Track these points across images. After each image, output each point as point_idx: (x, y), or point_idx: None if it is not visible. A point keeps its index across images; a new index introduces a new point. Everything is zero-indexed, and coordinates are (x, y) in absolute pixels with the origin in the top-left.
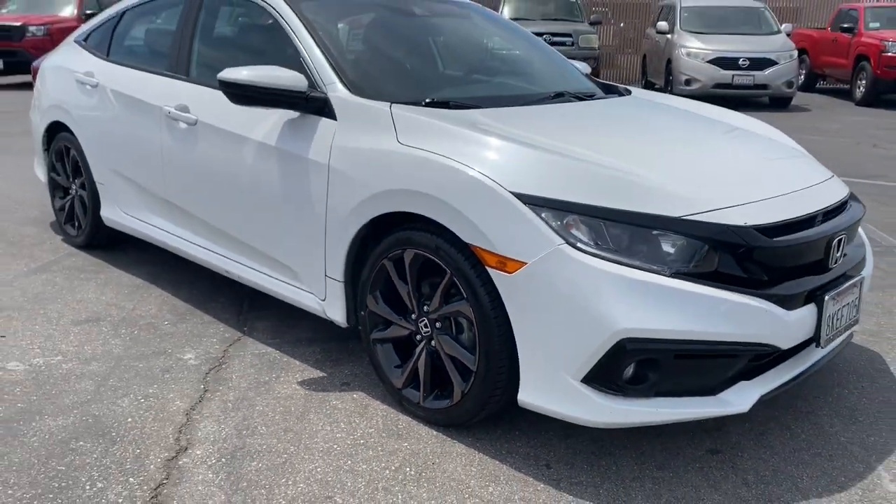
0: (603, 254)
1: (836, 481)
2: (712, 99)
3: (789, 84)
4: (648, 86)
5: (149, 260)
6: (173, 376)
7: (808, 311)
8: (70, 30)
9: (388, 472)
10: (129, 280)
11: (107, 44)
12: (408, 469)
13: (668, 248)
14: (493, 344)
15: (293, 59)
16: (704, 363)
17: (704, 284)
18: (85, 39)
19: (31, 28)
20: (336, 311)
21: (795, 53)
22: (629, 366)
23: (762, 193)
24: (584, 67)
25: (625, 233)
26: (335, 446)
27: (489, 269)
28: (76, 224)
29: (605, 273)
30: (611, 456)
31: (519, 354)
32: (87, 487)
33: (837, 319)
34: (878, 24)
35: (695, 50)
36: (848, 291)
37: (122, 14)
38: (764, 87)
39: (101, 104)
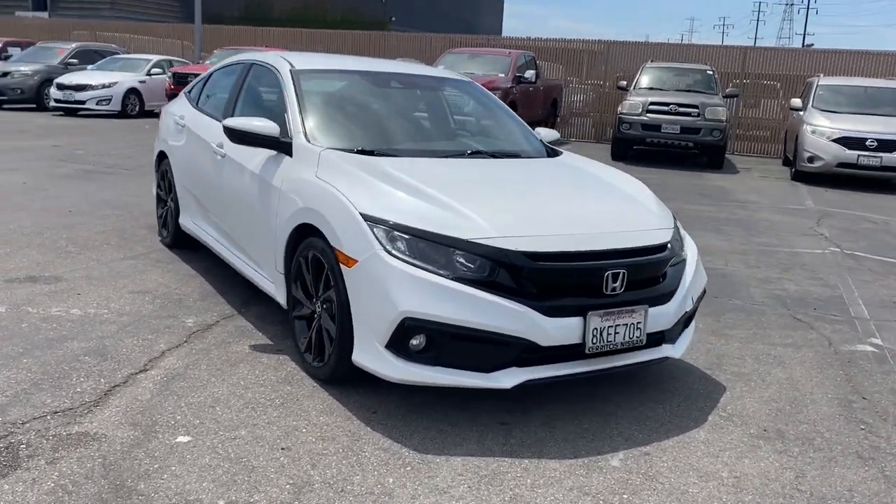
0: (406, 259)
1: (576, 457)
2: (838, 180)
3: None
4: (786, 162)
5: (207, 258)
6: (171, 331)
7: (573, 321)
8: None
9: (263, 399)
10: (186, 270)
11: (197, 95)
12: (277, 400)
13: (460, 260)
14: (343, 319)
15: (285, 114)
16: (478, 346)
17: (476, 287)
18: (189, 91)
19: None
20: (280, 296)
21: None
22: (414, 337)
23: (557, 231)
24: (550, 135)
25: (428, 247)
26: (241, 382)
27: (341, 265)
28: (167, 228)
29: (401, 272)
30: (421, 413)
31: (353, 326)
32: (73, 379)
33: (608, 335)
34: None
35: (821, 128)
36: (624, 314)
37: (210, 74)
38: (892, 168)
39: (184, 139)
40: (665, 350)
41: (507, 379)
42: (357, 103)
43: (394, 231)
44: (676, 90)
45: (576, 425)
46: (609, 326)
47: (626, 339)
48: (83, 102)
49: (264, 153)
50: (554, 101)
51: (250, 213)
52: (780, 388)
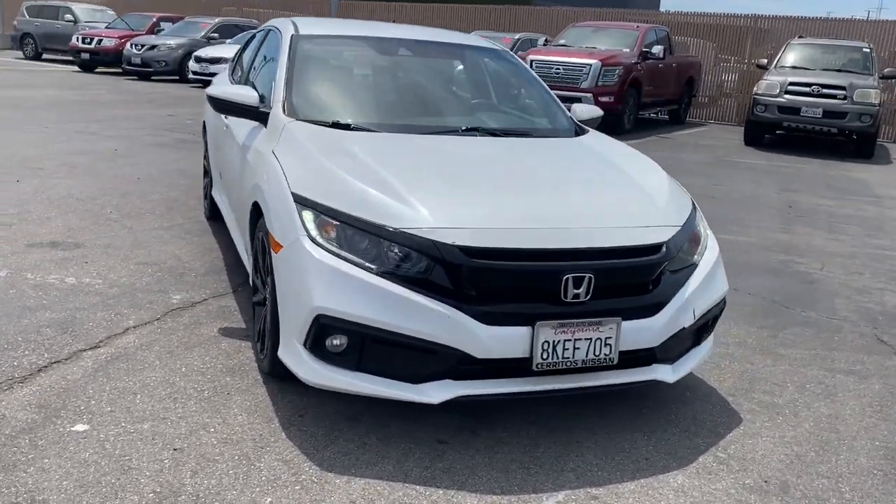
0: (330, 248)
1: (504, 493)
2: None
3: None
4: None
5: None
6: (150, 307)
7: (518, 332)
8: None
9: (192, 390)
10: (209, 244)
11: (231, 69)
12: (207, 392)
13: (393, 252)
14: (273, 309)
15: (272, 82)
16: (404, 353)
17: (404, 285)
18: (230, 67)
19: None
20: (251, 278)
21: None
22: (332, 338)
23: (515, 223)
24: (587, 112)
25: (357, 236)
26: (183, 368)
27: (271, 250)
28: (206, 199)
29: (320, 262)
30: (354, 422)
31: (280, 319)
32: (18, 352)
33: (565, 350)
34: None
35: None
36: (587, 327)
37: (241, 48)
38: None
39: (213, 112)
40: (657, 372)
41: (437, 393)
42: (352, 72)
43: (322, 216)
44: (823, 69)
45: (526, 452)
46: (565, 340)
47: (591, 356)
48: (216, 74)
49: (249, 124)
50: (690, 79)
51: (235, 188)
52: (815, 428)
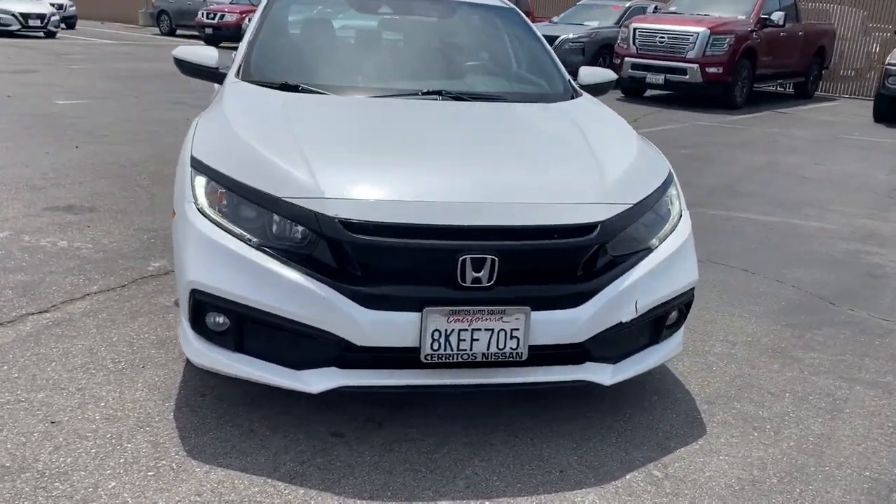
0: (213, 217)
1: (373, 498)
2: None
3: None
4: None
5: None
6: (123, 273)
7: (404, 318)
8: None
9: (109, 361)
10: None
11: None
12: (122, 364)
13: (277, 224)
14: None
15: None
16: (285, 337)
17: (283, 261)
18: None
19: None
20: None
21: None
22: (212, 315)
23: (417, 196)
24: (594, 75)
25: (243, 205)
26: (113, 337)
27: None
28: None
29: (199, 232)
30: (253, 405)
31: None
32: None
33: (461, 342)
34: None
35: None
36: (487, 316)
37: None
38: None
39: None
40: (589, 372)
41: (316, 381)
42: (323, 31)
43: (213, 182)
44: None
45: (426, 452)
46: (461, 330)
47: (494, 349)
48: None
49: (217, 86)
50: (820, 49)
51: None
52: (793, 449)
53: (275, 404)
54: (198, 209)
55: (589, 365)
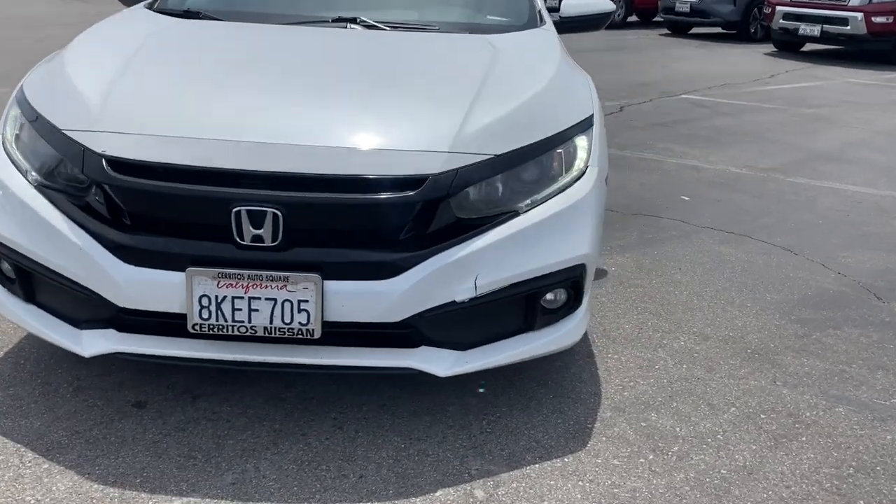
0: (11, 153)
1: (125, 486)
2: None
3: None
4: None
5: None
6: None
7: (168, 278)
8: None
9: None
10: None
11: None
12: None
13: (59, 161)
14: None
15: None
16: (63, 290)
17: (54, 204)
18: None
19: None
20: None
21: None
22: (1, 260)
23: (217, 134)
24: (579, 6)
25: (34, 140)
26: None
27: None
28: None
29: None
30: (65, 364)
31: None
32: None
33: (236, 311)
34: None
35: None
36: (268, 284)
37: None
38: None
39: None
40: (419, 358)
41: (91, 343)
42: None
43: (23, 115)
44: None
45: (218, 436)
46: (235, 297)
47: (278, 323)
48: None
49: None
50: None
51: None
52: (686, 484)
53: (112, 364)
54: (3, 142)
55: (424, 350)
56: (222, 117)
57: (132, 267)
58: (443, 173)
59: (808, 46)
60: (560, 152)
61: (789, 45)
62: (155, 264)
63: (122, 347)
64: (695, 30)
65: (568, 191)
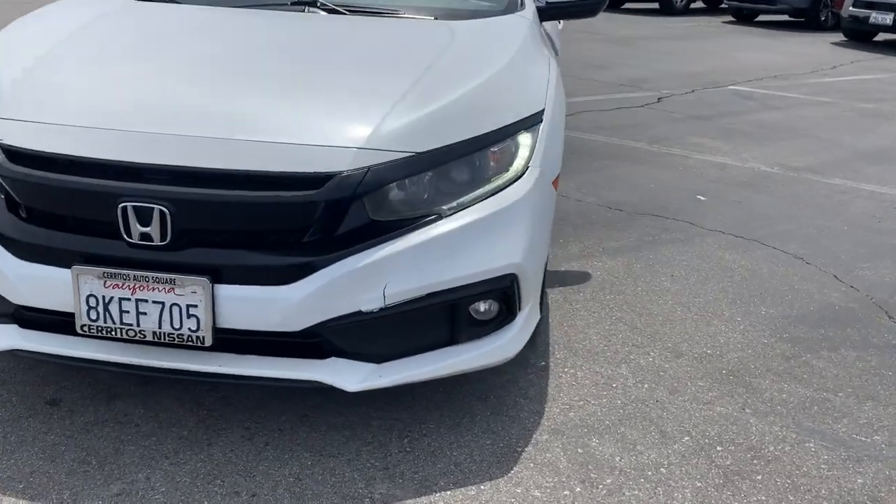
0: None
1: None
2: None
3: None
4: None
5: None
6: None
7: (56, 275)
8: None
9: None
10: None
11: None
12: None
13: None
14: None
15: None
16: None
17: None
18: None
19: None
20: None
21: None
22: None
23: (95, 122)
24: None
25: None
26: None
27: None
28: None
29: None
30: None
31: None
32: None
33: (123, 313)
34: None
35: None
36: (155, 285)
37: None
38: None
39: None
40: (327, 371)
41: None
42: None
43: None
44: None
45: (119, 440)
46: (122, 299)
47: (167, 328)
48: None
49: None
50: None
51: None
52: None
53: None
54: None
55: (333, 362)
56: (119, 106)
57: (23, 262)
58: (351, 171)
59: (882, 36)
60: (496, 151)
61: (860, 35)
62: (45, 260)
63: (23, 344)
64: (761, 17)
65: (502, 193)
